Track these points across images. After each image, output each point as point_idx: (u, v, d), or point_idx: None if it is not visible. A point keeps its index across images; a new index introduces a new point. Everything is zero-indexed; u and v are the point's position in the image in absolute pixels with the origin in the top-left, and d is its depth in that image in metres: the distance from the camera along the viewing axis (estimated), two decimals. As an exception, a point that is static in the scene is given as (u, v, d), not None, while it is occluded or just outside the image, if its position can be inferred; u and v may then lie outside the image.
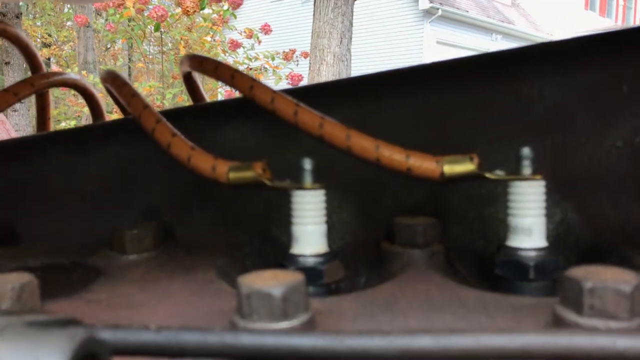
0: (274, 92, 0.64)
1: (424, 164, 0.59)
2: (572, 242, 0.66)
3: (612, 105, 0.66)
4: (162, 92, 9.90)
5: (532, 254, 0.58)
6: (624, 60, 0.68)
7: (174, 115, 0.72)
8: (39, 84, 0.79)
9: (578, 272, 0.43)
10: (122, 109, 0.91)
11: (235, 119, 0.73)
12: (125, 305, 0.53)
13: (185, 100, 9.91)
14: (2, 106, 0.73)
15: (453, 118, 0.70)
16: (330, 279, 0.60)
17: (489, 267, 0.65)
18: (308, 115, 0.62)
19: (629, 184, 0.65)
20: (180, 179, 0.72)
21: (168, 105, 9.66)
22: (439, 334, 0.39)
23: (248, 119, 0.73)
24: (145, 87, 9.53)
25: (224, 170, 0.61)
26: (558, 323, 0.43)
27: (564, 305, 0.43)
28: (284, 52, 10.60)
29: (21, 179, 0.74)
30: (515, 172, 0.59)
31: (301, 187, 0.60)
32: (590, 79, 0.67)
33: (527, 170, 0.58)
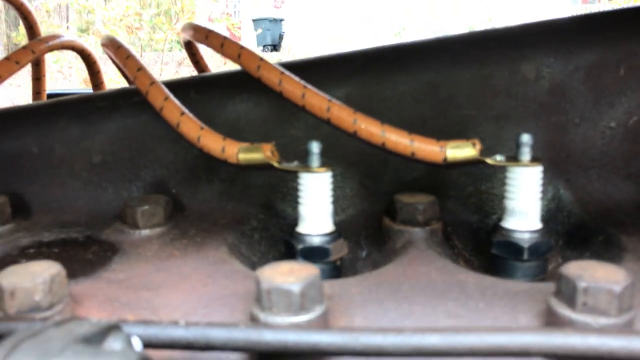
0: (281, 73, 0.65)
1: (427, 148, 0.61)
2: (562, 218, 0.70)
3: (608, 87, 0.68)
4: (140, 13, 9.60)
5: (527, 236, 0.62)
6: (621, 40, 0.69)
7: (179, 86, 0.73)
8: (38, 49, 0.79)
9: (573, 269, 0.47)
10: (124, 73, 0.91)
11: (240, 92, 0.74)
12: (144, 287, 0.56)
13: (163, 22, 9.66)
14: (5, 75, 0.73)
15: (454, 95, 0.72)
16: (336, 256, 0.63)
17: (484, 240, 0.69)
18: (316, 98, 0.64)
19: (619, 164, 0.69)
20: (187, 151, 0.74)
21: (146, 26, 9.42)
22: (446, 332, 0.42)
23: (253, 92, 0.74)
24: (122, 8, 9.23)
25: (233, 151, 0.63)
26: (552, 316, 0.47)
27: (558, 299, 0.47)
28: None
29: (28, 148, 0.75)
30: (514, 158, 0.62)
31: (309, 170, 0.62)
32: (588, 60, 0.69)
33: (526, 156, 0.61)
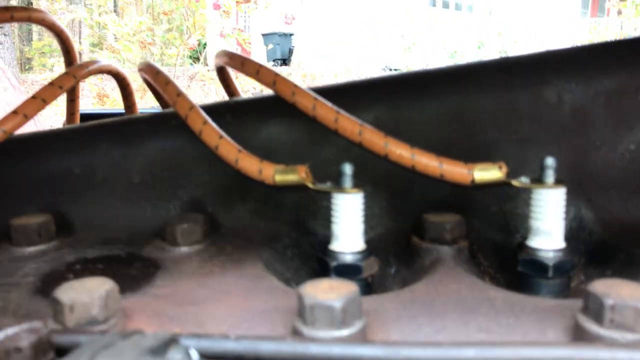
0: (315, 98, 0.69)
1: (456, 170, 0.64)
2: (584, 237, 0.72)
3: (627, 111, 0.71)
4: (152, 28, 9.74)
5: (551, 254, 0.64)
6: (639, 67, 0.72)
7: (216, 110, 0.77)
8: (80, 74, 0.83)
9: (600, 286, 0.49)
10: (158, 97, 0.95)
11: (274, 116, 0.78)
12: (189, 301, 0.59)
13: (175, 38, 9.79)
14: (50, 99, 0.77)
15: (479, 119, 0.75)
16: (367, 273, 0.66)
17: (508, 257, 0.72)
18: (348, 122, 0.67)
19: (639, 185, 0.71)
20: (222, 172, 0.77)
21: (159, 42, 9.56)
22: (482, 346, 0.45)
23: (285, 116, 0.77)
24: (136, 23, 9.37)
25: (270, 173, 0.67)
26: (580, 331, 0.50)
27: (586, 315, 0.50)
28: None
29: (71, 169, 0.79)
30: (538, 180, 0.65)
31: (342, 190, 0.66)
32: (608, 86, 0.72)
33: (549, 179, 0.64)
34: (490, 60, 0.74)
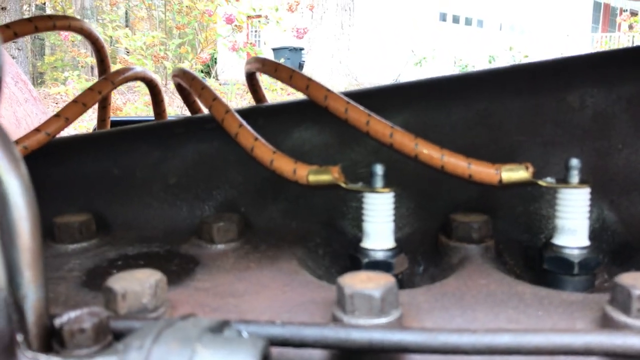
0: (347, 102, 0.72)
1: (484, 171, 0.67)
2: (607, 238, 0.75)
3: None
4: (165, 42, 9.85)
5: (576, 252, 0.67)
6: None
7: (249, 114, 0.80)
8: (117, 80, 0.87)
9: (627, 279, 0.52)
10: (189, 106, 0.99)
11: (305, 120, 0.81)
12: (230, 294, 0.62)
13: (188, 52, 9.90)
14: (91, 103, 0.81)
15: (504, 123, 0.78)
16: (398, 270, 0.69)
17: (533, 257, 0.74)
18: (379, 124, 0.70)
19: None
20: (255, 173, 0.80)
21: (171, 56, 9.68)
22: (516, 332, 0.47)
23: (317, 120, 0.81)
24: (149, 38, 9.49)
25: (304, 173, 0.69)
26: (608, 321, 0.52)
27: (613, 306, 0.52)
28: (288, 3, 10.44)
29: (110, 171, 0.82)
30: (564, 180, 0.67)
31: (373, 190, 0.68)
32: (629, 91, 0.75)
33: (574, 179, 0.67)
34: (515, 65, 0.77)
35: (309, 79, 0.76)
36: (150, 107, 1.13)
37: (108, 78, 0.86)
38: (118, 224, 0.81)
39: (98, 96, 0.83)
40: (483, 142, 0.79)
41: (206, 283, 0.64)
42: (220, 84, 9.72)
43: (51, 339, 0.46)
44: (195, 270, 0.68)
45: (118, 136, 0.86)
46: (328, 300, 0.59)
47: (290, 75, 0.78)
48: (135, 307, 0.54)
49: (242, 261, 0.70)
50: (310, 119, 0.81)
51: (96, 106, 1.09)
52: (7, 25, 0.84)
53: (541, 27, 18.37)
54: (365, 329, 0.49)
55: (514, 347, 0.47)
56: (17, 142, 0.76)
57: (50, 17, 0.87)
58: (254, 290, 0.63)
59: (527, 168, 0.66)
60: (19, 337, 0.42)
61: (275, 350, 0.52)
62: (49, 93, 9.39)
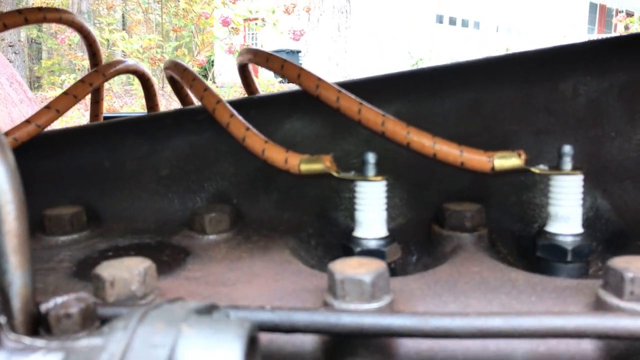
0: (339, 91, 0.71)
1: (476, 158, 0.66)
2: (601, 226, 0.74)
3: None
4: (162, 45, 9.85)
5: (570, 239, 0.66)
6: None
7: (241, 105, 0.79)
8: (108, 73, 0.86)
9: (619, 262, 0.51)
10: (181, 99, 0.98)
11: (296, 110, 0.80)
12: (221, 283, 0.61)
13: (185, 55, 9.90)
14: (81, 95, 0.80)
15: (497, 112, 0.78)
16: (391, 258, 0.69)
17: (526, 246, 0.74)
18: (371, 113, 0.69)
19: None
20: (247, 164, 0.80)
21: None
22: (508, 315, 0.47)
23: (308, 110, 0.80)
24: (146, 41, 9.48)
25: (295, 162, 0.69)
26: (601, 304, 0.52)
27: (606, 290, 0.52)
28: (285, 6, 10.44)
29: (101, 163, 0.82)
30: (556, 167, 0.67)
31: (365, 179, 0.68)
32: (622, 79, 0.75)
33: (567, 165, 0.66)
34: (507, 54, 0.77)
35: (301, 69, 0.76)
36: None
37: (99, 70, 0.85)
38: (109, 216, 0.80)
39: (89, 88, 0.82)
40: (476, 131, 0.78)
41: (197, 272, 0.64)
42: (217, 87, 9.71)
43: (38, 326, 0.45)
44: (186, 260, 0.67)
45: (109, 128, 0.85)
46: (320, 287, 0.59)
47: (281, 65, 0.78)
48: (123, 294, 0.53)
49: (234, 251, 0.69)
50: (302, 110, 0.81)
51: (89, 102, 1.09)
52: None
53: (538, 29, 18.42)
54: (356, 314, 0.48)
55: (506, 330, 0.47)
56: (7, 133, 0.75)
57: (40, 9, 0.87)
58: (246, 279, 0.62)
59: (519, 155, 0.66)
60: (2, 319, 0.41)
61: (265, 337, 0.52)
62: (45, 97, 9.39)
